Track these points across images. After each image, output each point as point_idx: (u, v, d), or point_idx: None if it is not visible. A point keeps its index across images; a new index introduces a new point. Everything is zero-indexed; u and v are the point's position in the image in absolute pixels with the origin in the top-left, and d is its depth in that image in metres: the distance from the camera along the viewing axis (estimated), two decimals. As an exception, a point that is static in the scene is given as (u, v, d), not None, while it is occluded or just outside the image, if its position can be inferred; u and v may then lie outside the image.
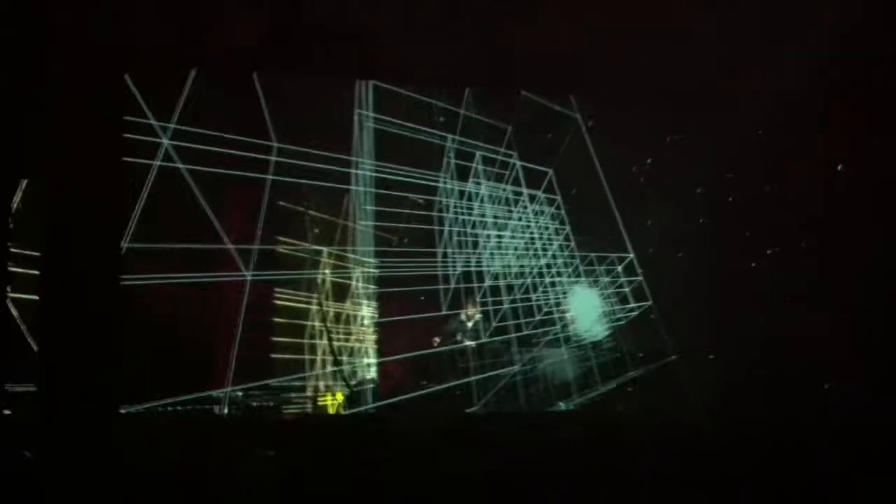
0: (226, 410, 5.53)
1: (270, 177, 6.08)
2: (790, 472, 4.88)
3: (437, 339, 6.55)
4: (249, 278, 5.94)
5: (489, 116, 6.79)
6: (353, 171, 6.38)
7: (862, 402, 5.07)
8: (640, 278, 6.17)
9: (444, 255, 6.72)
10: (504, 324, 6.65)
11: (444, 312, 6.65)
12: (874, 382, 5.10)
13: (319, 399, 6.32)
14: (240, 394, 5.67)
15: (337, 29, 5.59)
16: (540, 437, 5.31)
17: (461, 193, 6.69)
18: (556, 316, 6.52)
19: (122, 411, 4.75)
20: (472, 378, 6.22)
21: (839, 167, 5.22)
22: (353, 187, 6.42)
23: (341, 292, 6.69)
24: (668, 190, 6.15)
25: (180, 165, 5.63)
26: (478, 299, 6.81)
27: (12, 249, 4.37)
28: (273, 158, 6.10)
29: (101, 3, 4.76)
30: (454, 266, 6.70)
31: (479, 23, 5.73)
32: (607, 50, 5.50)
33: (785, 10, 5.25)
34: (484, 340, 6.74)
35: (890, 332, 5.15)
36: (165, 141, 5.61)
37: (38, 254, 4.43)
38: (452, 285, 6.69)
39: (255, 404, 5.79)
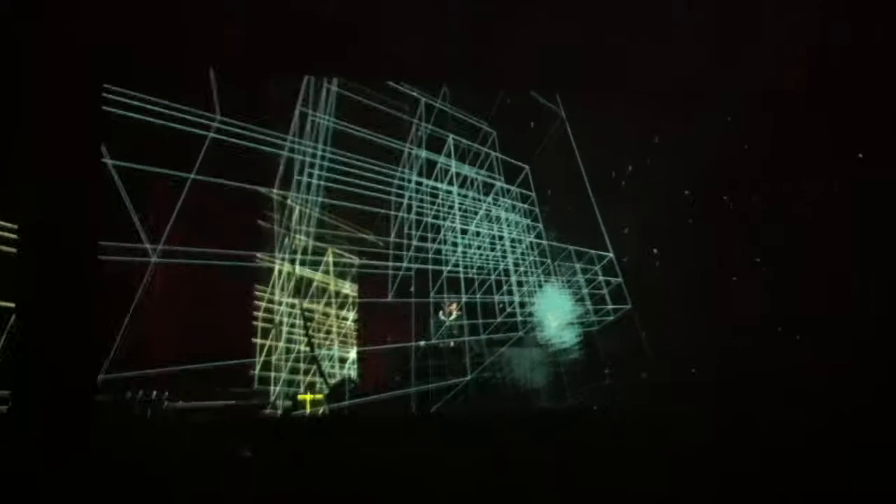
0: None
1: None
2: (767, 473, 4.38)
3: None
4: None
5: (465, 108, 6.37)
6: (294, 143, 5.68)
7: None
8: (620, 279, 5.59)
9: (401, 240, 5.96)
10: (463, 322, 5.85)
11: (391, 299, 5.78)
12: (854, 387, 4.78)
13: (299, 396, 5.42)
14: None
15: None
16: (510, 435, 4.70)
17: (428, 169, 6.05)
18: (518, 319, 5.78)
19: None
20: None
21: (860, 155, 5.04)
22: (295, 156, 5.68)
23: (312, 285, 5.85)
24: (653, 192, 5.79)
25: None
26: (431, 295, 6.01)
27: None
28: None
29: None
30: (411, 256, 5.94)
31: (460, 17, 5.50)
32: (593, 47, 5.33)
33: (772, 9, 5.23)
34: (435, 341, 5.89)
35: (875, 340, 4.90)
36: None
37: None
38: (406, 271, 5.88)
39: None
